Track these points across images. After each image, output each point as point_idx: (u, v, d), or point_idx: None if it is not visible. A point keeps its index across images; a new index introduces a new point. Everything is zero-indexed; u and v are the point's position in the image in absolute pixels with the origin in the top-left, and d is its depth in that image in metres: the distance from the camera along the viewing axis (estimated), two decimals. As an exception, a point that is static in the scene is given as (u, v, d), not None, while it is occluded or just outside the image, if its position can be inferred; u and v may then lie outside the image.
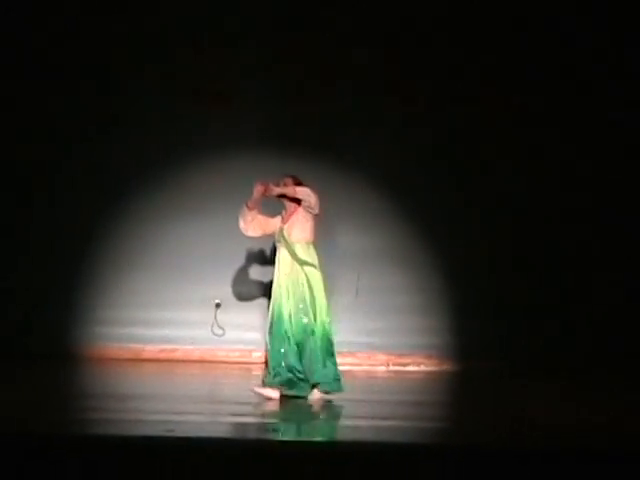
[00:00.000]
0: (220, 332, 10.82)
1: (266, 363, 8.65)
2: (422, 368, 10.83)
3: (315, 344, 8.10)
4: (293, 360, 8.09)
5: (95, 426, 6.89)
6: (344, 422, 7.48)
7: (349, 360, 10.57)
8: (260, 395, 8.18)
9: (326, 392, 8.19)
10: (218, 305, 10.84)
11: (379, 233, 11.00)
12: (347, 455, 5.96)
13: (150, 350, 10.92)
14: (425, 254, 10.96)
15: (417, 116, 11.07)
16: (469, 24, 11.07)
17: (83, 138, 10.99)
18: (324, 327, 8.16)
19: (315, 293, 8.16)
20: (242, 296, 10.87)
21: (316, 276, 8.19)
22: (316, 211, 8.22)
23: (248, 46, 11.00)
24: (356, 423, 7.33)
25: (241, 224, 8.39)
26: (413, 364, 10.87)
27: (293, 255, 8.21)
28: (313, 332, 8.10)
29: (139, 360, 10.75)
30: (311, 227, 8.29)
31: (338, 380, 8.20)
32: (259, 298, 10.67)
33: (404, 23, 11.09)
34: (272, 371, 8.17)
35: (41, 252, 10.89)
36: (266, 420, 7.47)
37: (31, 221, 10.95)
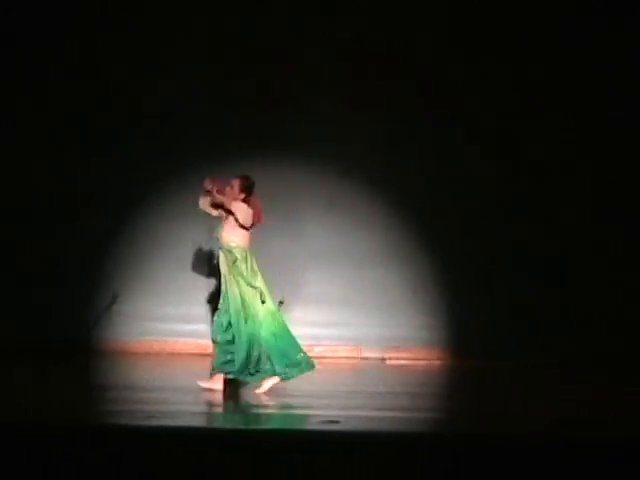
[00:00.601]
0: None
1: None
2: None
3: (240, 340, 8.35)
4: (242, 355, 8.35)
5: (154, 418, 6.90)
6: (387, 414, 7.61)
7: (405, 355, 10.94)
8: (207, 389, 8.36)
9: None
10: (281, 303, 10.86)
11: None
12: (387, 445, 6.07)
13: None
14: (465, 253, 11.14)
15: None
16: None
17: (147, 136, 11.07)
18: (240, 323, 8.39)
19: (239, 293, 8.37)
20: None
21: (233, 281, 8.34)
22: (246, 226, 8.33)
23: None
24: (392, 415, 7.57)
25: (200, 201, 8.56)
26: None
27: (223, 252, 8.40)
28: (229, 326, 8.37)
29: (203, 355, 10.80)
30: (242, 235, 8.36)
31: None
32: (320, 295, 10.96)
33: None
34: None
35: (97, 250, 11.01)
36: (323, 412, 7.51)
37: (85, 219, 11.01)
